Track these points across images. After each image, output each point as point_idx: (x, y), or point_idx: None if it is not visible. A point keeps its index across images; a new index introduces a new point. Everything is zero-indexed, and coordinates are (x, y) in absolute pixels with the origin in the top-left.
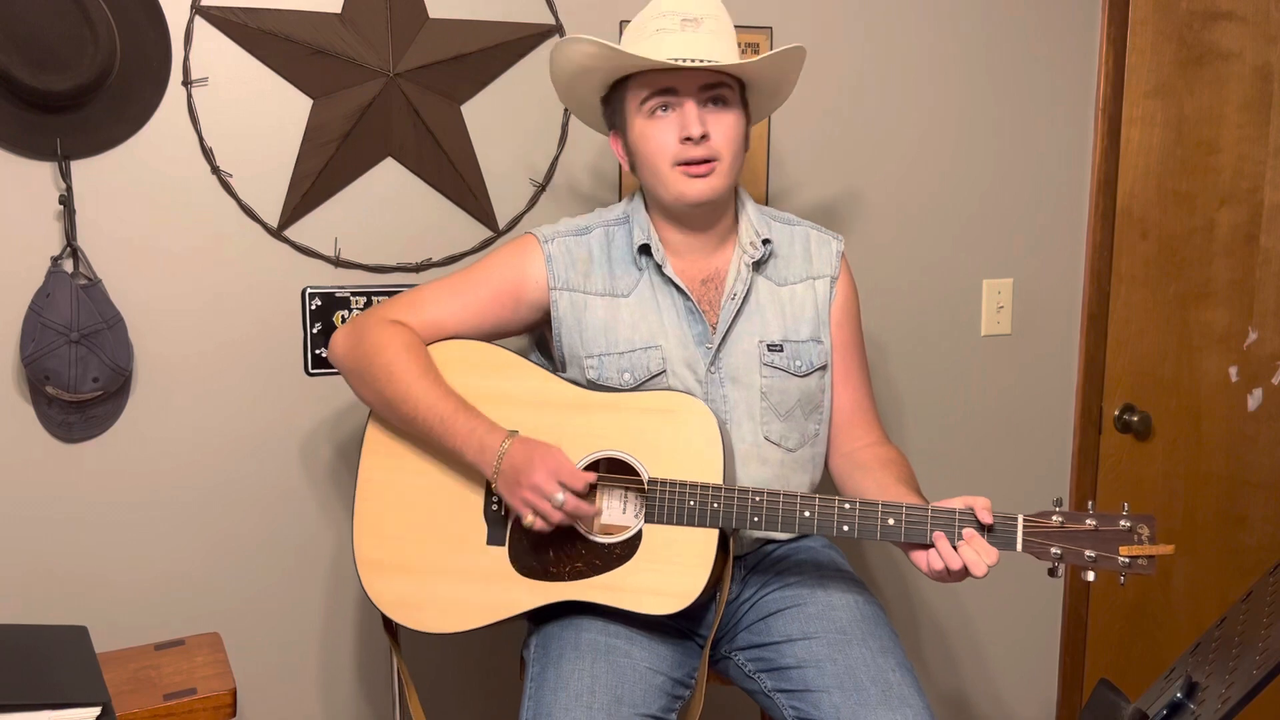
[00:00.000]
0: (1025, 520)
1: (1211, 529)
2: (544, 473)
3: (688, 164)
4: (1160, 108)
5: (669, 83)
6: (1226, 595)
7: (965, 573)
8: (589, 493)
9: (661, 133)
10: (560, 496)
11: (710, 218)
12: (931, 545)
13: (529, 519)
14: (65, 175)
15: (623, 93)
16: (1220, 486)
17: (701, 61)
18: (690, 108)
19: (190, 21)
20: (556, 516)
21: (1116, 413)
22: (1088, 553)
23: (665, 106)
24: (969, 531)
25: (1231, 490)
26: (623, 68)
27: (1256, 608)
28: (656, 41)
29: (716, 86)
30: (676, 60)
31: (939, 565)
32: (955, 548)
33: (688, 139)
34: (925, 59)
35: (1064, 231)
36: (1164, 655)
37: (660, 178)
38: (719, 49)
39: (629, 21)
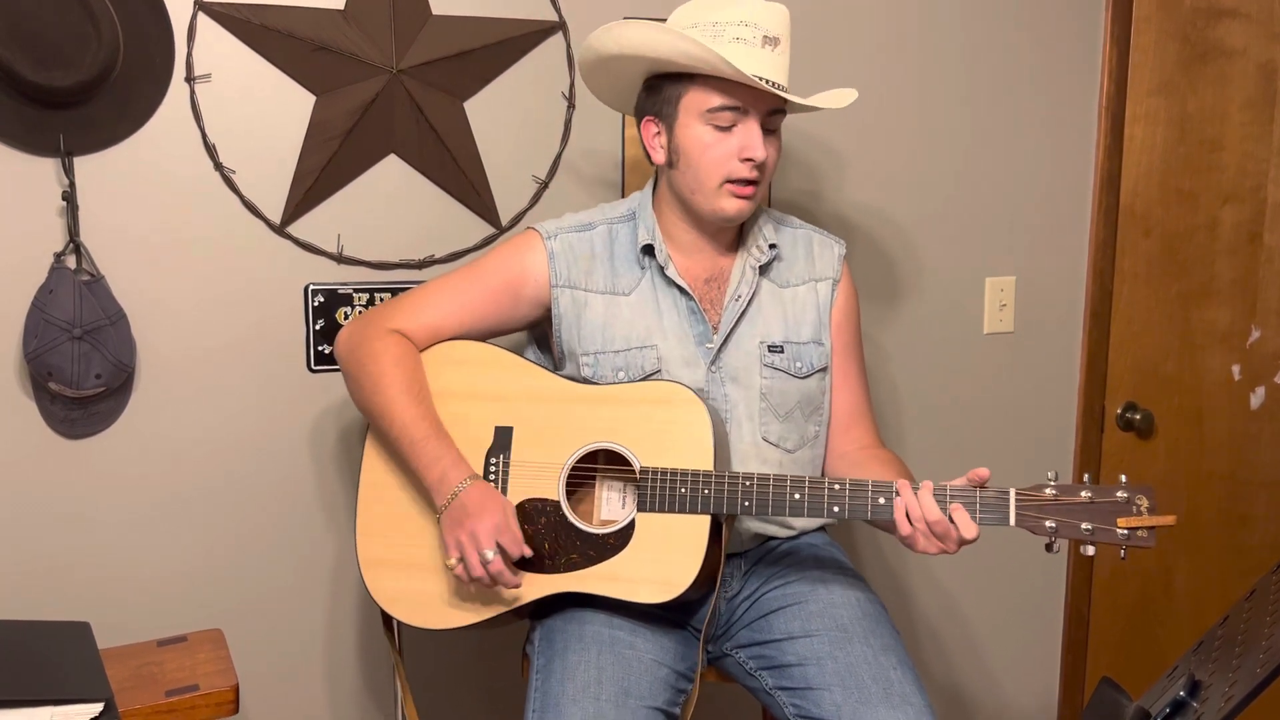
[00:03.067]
0: (1018, 493)
1: (1214, 528)
2: (488, 526)
3: (737, 183)
4: (1164, 106)
5: (744, 100)
6: (1229, 594)
7: (947, 537)
8: (526, 563)
9: (722, 145)
10: (490, 554)
11: (728, 226)
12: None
13: (452, 561)
14: (68, 171)
15: (679, 87)
16: (1223, 485)
17: (783, 89)
18: (756, 128)
19: (193, 18)
20: (477, 572)
21: (1119, 411)
22: (1084, 525)
23: (733, 123)
24: (955, 505)
25: (1234, 489)
26: (699, 65)
27: (1260, 606)
28: (738, 51)
29: (777, 113)
30: (763, 80)
31: (916, 512)
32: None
33: (748, 160)
34: (928, 57)
35: (1067, 229)
36: (1166, 654)
37: (704, 188)
38: (786, 74)
39: (632, 19)
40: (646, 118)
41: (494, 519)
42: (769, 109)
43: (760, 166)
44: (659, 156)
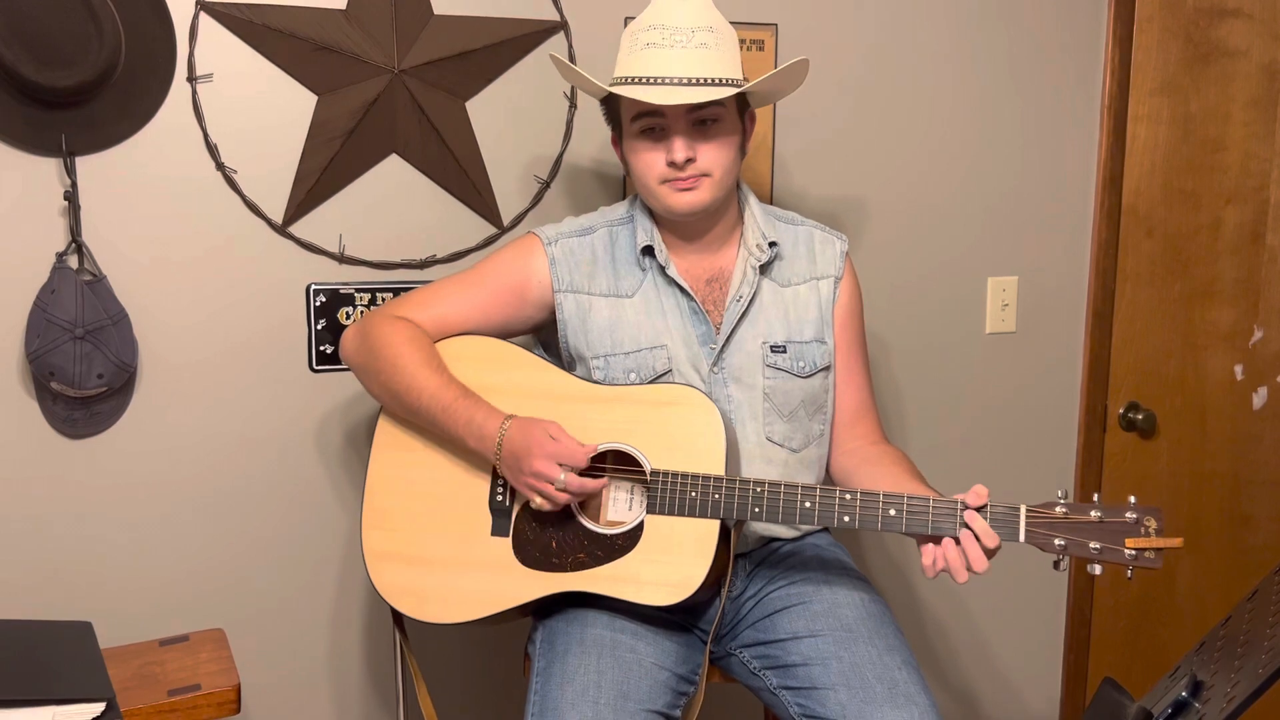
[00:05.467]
0: (1028, 511)
1: (1216, 528)
2: (541, 458)
3: (673, 180)
4: (1166, 105)
5: (654, 104)
6: (1231, 594)
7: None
8: (591, 469)
9: (649, 154)
10: (562, 477)
11: (707, 223)
12: (933, 540)
13: (537, 502)
14: (70, 171)
15: (616, 104)
16: (1225, 485)
17: (680, 81)
18: (676, 133)
19: (195, 18)
20: (562, 498)
21: (1121, 411)
22: (1092, 545)
23: (652, 128)
24: (971, 514)
25: (1236, 489)
26: (586, 89)
27: (1262, 606)
28: (644, 57)
29: (706, 106)
30: (660, 79)
31: (941, 566)
32: (958, 541)
33: (672, 163)
34: (931, 57)
35: (1069, 229)
36: (1169, 654)
37: (649, 192)
38: (711, 63)
39: (634, 18)
40: (613, 134)
41: (545, 448)
42: (688, 106)
43: (690, 165)
44: (624, 168)
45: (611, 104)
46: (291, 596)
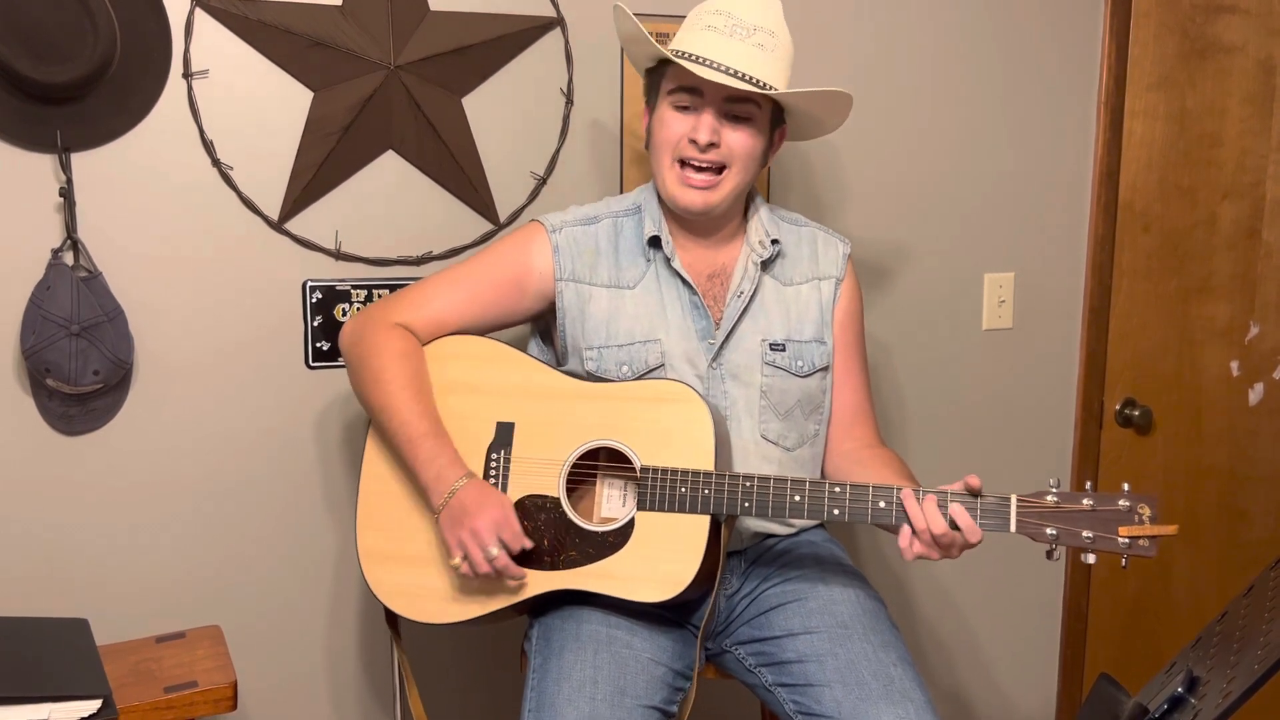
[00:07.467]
0: (1019, 500)
1: (1213, 523)
2: (488, 522)
3: (686, 165)
4: (1163, 101)
5: (696, 83)
6: (1227, 590)
7: (941, 542)
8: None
9: (675, 125)
10: (494, 550)
11: (713, 222)
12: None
13: (456, 560)
14: (65, 167)
15: (659, 73)
16: (1221, 481)
17: (726, 70)
18: (707, 113)
19: (191, 13)
20: (484, 568)
21: (1118, 407)
22: (1085, 534)
23: (688, 106)
24: (955, 507)
25: (1233, 485)
26: (632, 45)
27: (1258, 602)
28: (701, 37)
29: (742, 102)
30: (709, 61)
31: (922, 524)
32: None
33: (693, 141)
34: (926, 52)
35: (1066, 225)
36: (1165, 650)
37: (661, 169)
38: (762, 64)
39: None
40: (646, 106)
41: (493, 514)
42: (725, 95)
43: (711, 150)
44: (645, 141)
45: (654, 74)
46: (289, 592)
